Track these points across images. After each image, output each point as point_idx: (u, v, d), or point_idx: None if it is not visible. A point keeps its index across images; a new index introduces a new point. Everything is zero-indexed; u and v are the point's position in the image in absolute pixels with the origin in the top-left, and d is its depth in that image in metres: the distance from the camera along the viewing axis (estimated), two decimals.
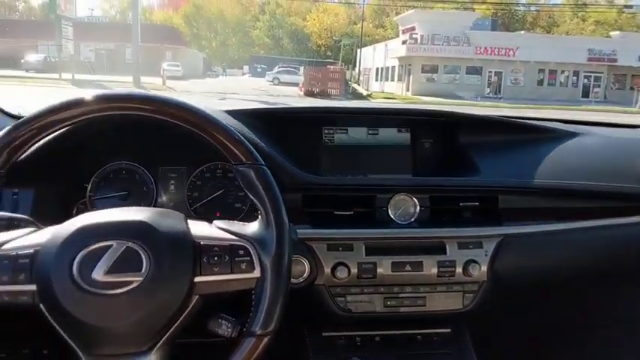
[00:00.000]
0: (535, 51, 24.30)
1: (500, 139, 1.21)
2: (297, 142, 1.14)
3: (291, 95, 18.96)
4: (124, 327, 0.67)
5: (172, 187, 1.16)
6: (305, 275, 0.97)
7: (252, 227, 0.75)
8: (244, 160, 0.75)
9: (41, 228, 0.78)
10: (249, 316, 0.72)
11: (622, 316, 1.32)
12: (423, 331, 1.09)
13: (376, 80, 30.31)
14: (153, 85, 17.34)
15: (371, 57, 30.77)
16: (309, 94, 19.85)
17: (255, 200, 0.75)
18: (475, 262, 1.00)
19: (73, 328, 0.68)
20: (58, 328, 0.70)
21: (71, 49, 19.88)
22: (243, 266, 0.71)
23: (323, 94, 19.65)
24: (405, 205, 1.05)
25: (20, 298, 0.69)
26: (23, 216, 0.87)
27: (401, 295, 1.01)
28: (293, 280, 0.96)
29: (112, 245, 0.68)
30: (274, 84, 26.71)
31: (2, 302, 0.70)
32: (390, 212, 1.05)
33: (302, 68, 24.94)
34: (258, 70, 38.09)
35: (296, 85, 22.91)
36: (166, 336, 0.70)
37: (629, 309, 1.31)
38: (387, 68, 28.61)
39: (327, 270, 0.98)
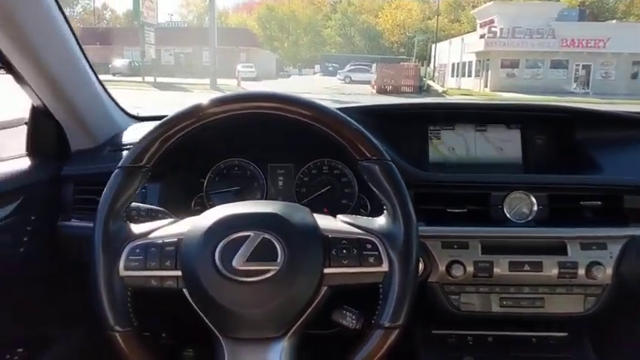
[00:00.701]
0: (628, 42, 22.45)
1: (619, 136, 1.14)
2: (404, 139, 1.14)
3: (363, 93, 18.87)
4: (261, 313, 0.71)
5: (281, 182, 1.20)
6: (419, 272, 0.97)
7: (379, 222, 0.76)
8: (369, 155, 0.76)
9: (176, 219, 0.83)
10: (373, 310, 0.74)
11: None
12: (539, 333, 1.05)
13: (452, 76, 29.50)
14: (228, 87, 17.90)
15: (446, 52, 29.99)
16: (382, 91, 19.69)
17: (380, 195, 0.76)
18: (599, 264, 0.95)
19: (213, 312, 0.73)
20: (199, 311, 0.75)
21: (153, 54, 21.13)
22: (372, 260, 0.72)
23: (396, 92, 19.42)
24: (521, 204, 1.02)
25: (166, 282, 0.75)
26: (160, 208, 0.94)
27: (518, 296, 0.98)
28: None
29: (249, 235, 0.72)
30: (346, 82, 26.72)
31: (150, 286, 0.76)
32: (505, 210, 1.02)
33: (374, 66, 24.77)
34: (330, 68, 38.28)
35: (368, 82, 22.77)
36: (298, 324, 0.73)
37: None
38: (464, 63, 27.74)
39: (442, 268, 0.97)
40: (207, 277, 0.71)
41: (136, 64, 23.25)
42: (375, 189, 0.76)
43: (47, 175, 1.12)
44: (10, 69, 1.00)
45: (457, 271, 0.96)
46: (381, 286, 0.73)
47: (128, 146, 1.22)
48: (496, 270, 0.96)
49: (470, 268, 0.97)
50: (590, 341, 1.04)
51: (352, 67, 30.03)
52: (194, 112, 0.77)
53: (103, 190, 1.09)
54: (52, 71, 1.03)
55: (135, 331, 0.74)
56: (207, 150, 1.17)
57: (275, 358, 0.72)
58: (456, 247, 0.97)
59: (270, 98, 0.76)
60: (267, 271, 0.70)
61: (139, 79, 19.06)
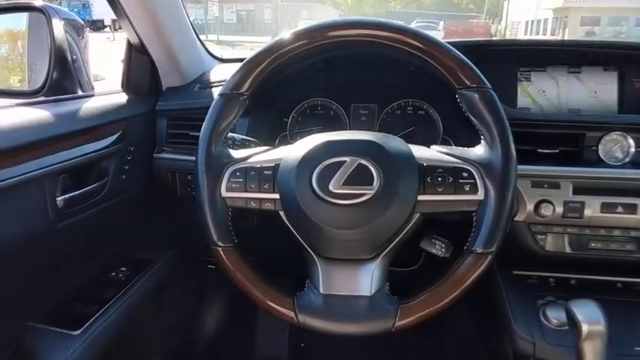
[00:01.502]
0: None
1: None
2: (493, 80, 1.10)
3: None
4: (355, 235, 0.73)
5: (364, 123, 1.21)
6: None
7: (476, 151, 0.76)
8: (469, 83, 0.75)
9: (271, 147, 0.87)
10: (462, 243, 0.74)
11: None
12: (624, 279, 1.02)
13: (525, 34, 27.82)
14: None
15: (520, 9, 28.22)
16: None
17: (478, 125, 0.75)
18: None
19: (309, 233, 0.76)
20: (295, 232, 0.79)
21: (215, 11, 21.21)
22: (467, 188, 0.73)
23: None
24: (617, 145, 0.98)
25: (264, 204, 0.79)
26: (253, 139, 0.98)
27: (608, 239, 0.95)
28: None
29: (345, 161, 0.74)
30: None
31: (249, 207, 0.80)
32: (599, 152, 0.98)
33: (441, 23, 23.79)
34: None
35: None
36: (389, 248, 0.76)
37: None
38: (539, 21, 26.06)
39: (530, 207, 0.96)
40: (304, 199, 0.74)
41: (199, 22, 23.56)
42: (473, 118, 0.76)
43: (143, 110, 1.19)
44: (113, 3, 1.05)
45: (546, 211, 0.94)
46: (474, 214, 0.73)
47: (215, 84, 1.27)
48: (587, 211, 0.94)
49: (559, 209, 0.95)
50: None
51: (418, 24, 28.89)
52: (304, 35, 0.78)
53: (194, 124, 1.16)
54: (155, 7, 1.07)
55: (236, 248, 0.80)
56: (291, 89, 1.20)
57: (366, 278, 0.75)
58: (546, 186, 0.95)
59: (380, 26, 0.76)
60: (363, 194, 0.72)
61: (203, 37, 19.25)
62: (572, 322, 0.80)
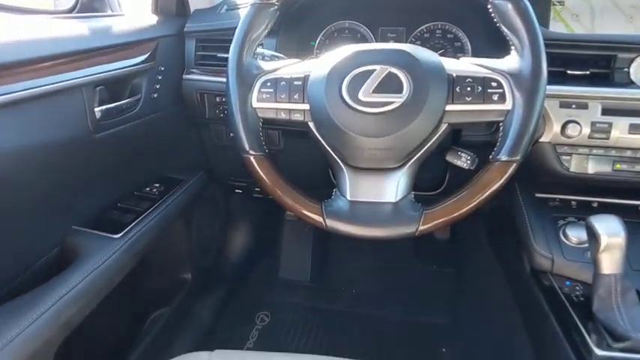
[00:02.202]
0: None
1: None
2: None
3: None
4: (383, 143, 0.75)
5: None
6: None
7: (506, 61, 0.76)
8: None
9: (301, 60, 0.88)
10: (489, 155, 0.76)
11: None
12: None
13: None
14: None
15: None
16: None
17: (510, 35, 0.75)
18: None
19: (338, 142, 0.78)
20: (323, 142, 0.81)
21: None
22: (495, 97, 0.74)
23: None
24: None
25: (294, 115, 0.81)
26: (282, 55, 0.99)
27: (634, 160, 0.95)
28: None
29: (375, 69, 0.75)
30: None
31: (279, 118, 0.83)
32: (630, 74, 0.97)
33: None
34: None
35: None
36: (416, 157, 0.78)
37: None
38: None
39: (557, 127, 0.96)
40: (333, 108, 0.76)
41: None
42: (504, 28, 0.75)
43: (172, 31, 1.20)
44: None
45: (573, 131, 0.94)
46: (502, 124, 0.75)
47: (242, 5, 1.26)
48: (614, 132, 0.94)
49: (586, 129, 0.95)
50: None
51: None
52: None
53: (222, 45, 1.16)
54: None
55: (267, 157, 0.83)
56: (319, 11, 1.19)
57: (392, 186, 0.78)
58: (574, 106, 0.95)
59: None
60: (392, 102, 0.74)
61: None
62: (592, 235, 0.82)
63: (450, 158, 0.84)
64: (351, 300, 1.85)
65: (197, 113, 1.22)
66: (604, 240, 0.80)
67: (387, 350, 1.56)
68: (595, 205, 1.04)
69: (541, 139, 0.98)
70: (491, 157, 0.75)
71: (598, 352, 0.75)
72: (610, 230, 0.80)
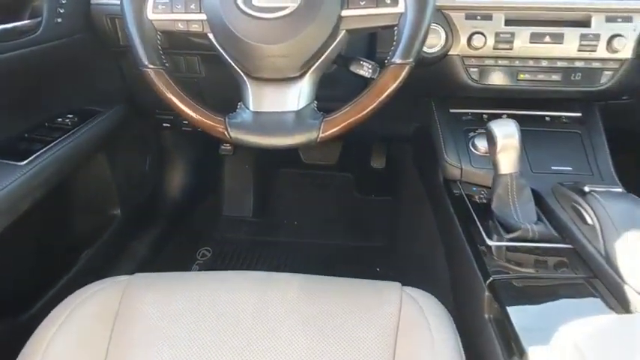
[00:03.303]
0: None
1: None
2: None
3: None
4: (281, 50, 0.75)
5: None
6: (440, 44, 0.98)
7: None
8: None
9: None
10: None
11: None
12: (553, 113, 1.08)
13: None
14: None
15: None
16: None
17: None
18: (621, 36, 0.94)
19: (237, 52, 0.78)
20: (224, 53, 0.80)
21: None
22: (388, 1, 0.74)
23: None
24: None
25: (192, 26, 0.80)
26: None
27: (535, 69, 0.99)
28: (428, 50, 0.99)
29: None
30: None
31: (177, 30, 0.81)
32: None
33: None
34: None
35: None
36: (316, 64, 0.79)
37: None
38: None
39: (463, 40, 0.98)
40: (229, 15, 0.75)
41: None
42: None
43: None
44: None
45: (478, 42, 0.97)
46: (396, 28, 0.76)
47: None
48: (516, 42, 0.97)
49: (491, 40, 0.97)
50: (602, 120, 1.07)
51: None
52: None
53: None
54: None
55: (167, 71, 0.81)
56: None
57: (294, 95, 0.79)
58: (479, 18, 0.97)
59: None
60: (286, 7, 0.74)
61: None
62: (491, 139, 0.86)
63: (353, 68, 0.86)
64: (293, 232, 1.89)
65: (110, 41, 1.17)
66: (500, 141, 0.84)
67: (325, 273, 1.62)
68: (504, 117, 1.09)
69: (450, 52, 1.00)
70: (386, 61, 0.77)
71: (490, 242, 0.81)
72: (505, 132, 0.84)
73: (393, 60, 0.75)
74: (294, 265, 1.68)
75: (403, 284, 0.80)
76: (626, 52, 0.96)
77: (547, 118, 1.09)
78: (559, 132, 1.06)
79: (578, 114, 1.08)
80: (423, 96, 1.16)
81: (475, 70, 1.01)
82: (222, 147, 1.76)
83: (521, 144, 0.85)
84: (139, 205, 1.57)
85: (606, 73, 0.98)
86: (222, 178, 1.95)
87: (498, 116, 1.09)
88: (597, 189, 0.80)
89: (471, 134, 1.06)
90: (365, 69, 0.84)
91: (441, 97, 1.14)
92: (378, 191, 1.99)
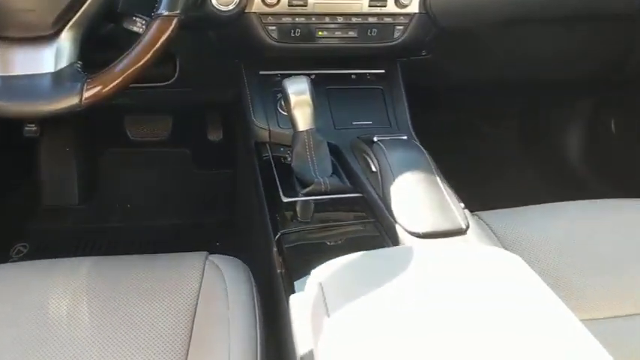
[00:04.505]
0: None
1: None
2: None
3: None
4: (27, 2, 0.66)
5: None
6: (235, 2, 0.94)
7: None
8: None
9: None
10: None
11: None
12: (358, 70, 1.11)
13: None
14: None
15: None
16: None
17: None
18: None
19: None
20: None
21: None
22: None
23: None
24: None
25: None
26: None
27: (332, 26, 1.00)
28: (223, 9, 0.94)
29: None
30: None
31: None
32: None
33: None
34: None
35: None
36: (74, 20, 0.70)
37: None
38: None
39: None
40: None
41: None
42: None
43: None
44: None
45: None
46: None
47: None
48: None
49: None
50: (402, 76, 1.12)
51: None
52: None
53: None
54: None
55: None
56: None
57: (50, 56, 0.69)
58: None
59: None
60: None
61: None
62: (285, 96, 0.85)
63: (126, 25, 0.78)
64: (127, 215, 1.76)
65: None
66: (293, 98, 0.83)
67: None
68: (313, 77, 1.09)
69: (246, 10, 0.96)
70: (153, 14, 0.70)
71: (284, 198, 0.80)
72: (297, 89, 0.84)
73: (159, 12, 0.70)
74: (126, 252, 1.55)
75: (239, 255, 0.77)
76: (413, 6, 1.00)
77: (353, 76, 1.11)
78: (363, 89, 1.09)
79: (382, 70, 1.12)
80: (231, 59, 1.11)
81: (274, 28, 0.99)
82: (27, 128, 1.55)
83: (314, 100, 0.85)
84: None
85: (398, 27, 1.02)
86: (38, 164, 1.73)
87: (307, 77, 1.09)
88: (383, 138, 0.83)
89: (279, 95, 1.04)
90: (139, 25, 0.77)
91: (250, 60, 1.11)
92: (217, 164, 1.92)
